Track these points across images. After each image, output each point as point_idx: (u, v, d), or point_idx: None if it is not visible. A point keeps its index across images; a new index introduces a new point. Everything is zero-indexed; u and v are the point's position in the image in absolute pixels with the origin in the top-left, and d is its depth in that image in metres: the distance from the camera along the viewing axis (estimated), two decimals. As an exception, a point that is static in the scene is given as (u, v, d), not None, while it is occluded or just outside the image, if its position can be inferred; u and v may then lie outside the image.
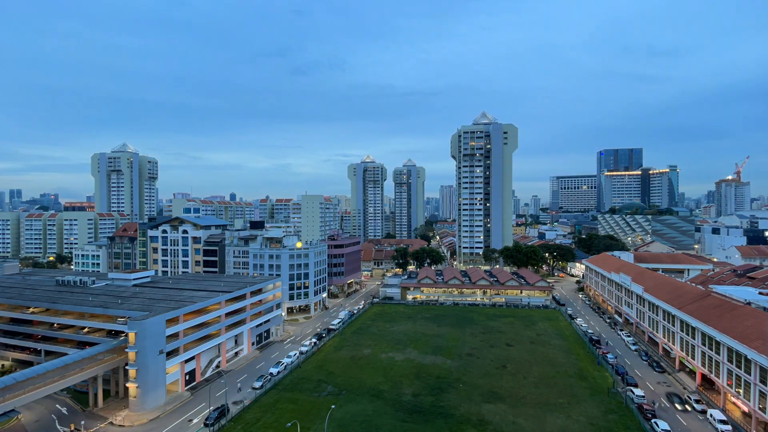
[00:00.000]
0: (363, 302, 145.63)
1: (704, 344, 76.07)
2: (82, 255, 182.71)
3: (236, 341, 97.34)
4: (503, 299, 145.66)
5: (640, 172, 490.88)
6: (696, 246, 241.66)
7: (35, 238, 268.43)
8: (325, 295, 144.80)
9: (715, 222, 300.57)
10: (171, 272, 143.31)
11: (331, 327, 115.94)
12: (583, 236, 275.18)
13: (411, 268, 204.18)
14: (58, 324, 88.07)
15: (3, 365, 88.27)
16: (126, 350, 72.46)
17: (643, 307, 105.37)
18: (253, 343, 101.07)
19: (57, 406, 72.38)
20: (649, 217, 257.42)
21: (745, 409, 64.53)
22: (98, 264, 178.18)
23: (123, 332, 77.23)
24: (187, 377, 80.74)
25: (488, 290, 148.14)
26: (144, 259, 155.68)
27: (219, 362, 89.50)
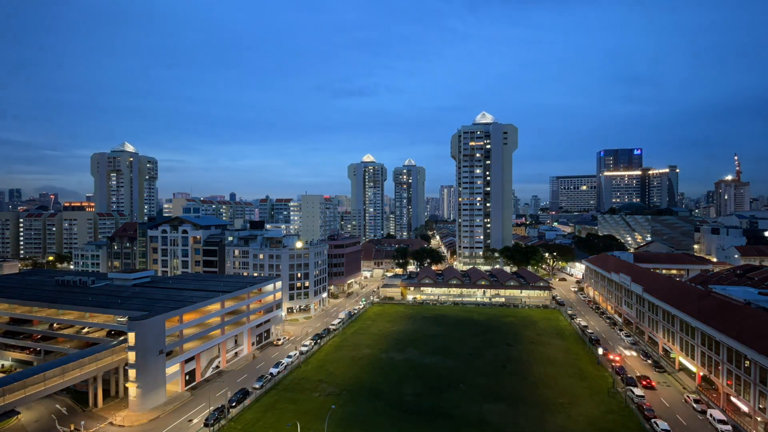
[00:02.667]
0: (363, 302, 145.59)
1: (704, 344, 76.08)
2: (82, 255, 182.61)
3: (236, 341, 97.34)
4: (503, 299, 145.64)
5: (640, 172, 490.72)
6: (696, 246, 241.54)
7: (35, 238, 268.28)
8: (325, 295, 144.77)
9: (715, 222, 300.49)
10: (171, 272, 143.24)
11: (331, 327, 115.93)
12: (583, 236, 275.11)
13: (411, 268, 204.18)
14: (57, 324, 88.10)
15: (3, 365, 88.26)
16: (126, 350, 72.48)
17: (643, 307, 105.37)
18: (253, 343, 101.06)
19: (57, 406, 72.34)
20: (649, 217, 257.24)
21: (745, 409, 64.54)
22: (98, 264, 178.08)
23: (123, 332, 77.26)
24: (187, 377, 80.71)
25: (488, 290, 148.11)
26: (144, 259, 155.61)
27: (219, 362, 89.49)
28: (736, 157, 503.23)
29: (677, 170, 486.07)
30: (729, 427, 62.57)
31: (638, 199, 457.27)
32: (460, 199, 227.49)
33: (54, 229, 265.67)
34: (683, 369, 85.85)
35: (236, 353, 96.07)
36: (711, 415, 65.99)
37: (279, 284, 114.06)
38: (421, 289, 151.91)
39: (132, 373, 70.24)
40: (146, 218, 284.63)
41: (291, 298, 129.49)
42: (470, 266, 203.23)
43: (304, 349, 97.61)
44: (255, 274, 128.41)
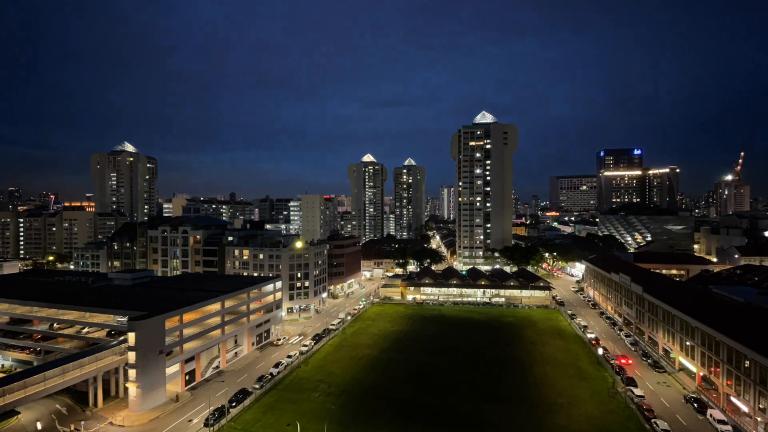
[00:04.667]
0: (363, 302, 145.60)
1: (704, 344, 76.04)
2: (82, 255, 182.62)
3: (236, 341, 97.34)
4: (503, 299, 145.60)
5: (640, 172, 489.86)
6: (696, 246, 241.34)
7: (35, 238, 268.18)
8: (325, 295, 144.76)
9: (715, 222, 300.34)
10: (170, 272, 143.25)
11: (330, 327, 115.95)
12: (583, 236, 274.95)
13: (411, 268, 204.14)
14: (57, 324, 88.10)
15: (3, 365, 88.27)
16: (126, 350, 72.48)
17: (643, 307, 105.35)
18: (253, 343, 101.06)
19: (57, 406, 72.34)
20: (649, 217, 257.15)
21: (745, 409, 64.54)
22: (98, 264, 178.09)
23: (123, 332, 77.27)
24: (187, 377, 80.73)
25: (488, 290, 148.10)
26: (144, 259, 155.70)
27: (219, 362, 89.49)
28: (742, 153, 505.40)
29: (677, 170, 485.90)
30: (729, 427, 62.57)
31: (638, 199, 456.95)
32: (460, 199, 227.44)
33: (54, 229, 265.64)
34: (683, 369, 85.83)
35: (236, 353, 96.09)
36: (711, 415, 65.98)
37: (279, 284, 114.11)
38: (421, 289, 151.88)
39: (132, 373, 70.23)
40: (146, 218, 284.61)
41: (291, 298, 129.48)
42: (470, 266, 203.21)
43: (304, 349, 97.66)
44: (255, 274, 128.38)
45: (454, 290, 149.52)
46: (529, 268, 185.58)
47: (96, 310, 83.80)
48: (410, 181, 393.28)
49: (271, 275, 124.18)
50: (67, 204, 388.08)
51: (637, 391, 74.05)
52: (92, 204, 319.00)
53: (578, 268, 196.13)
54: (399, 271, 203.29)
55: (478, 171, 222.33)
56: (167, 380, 75.00)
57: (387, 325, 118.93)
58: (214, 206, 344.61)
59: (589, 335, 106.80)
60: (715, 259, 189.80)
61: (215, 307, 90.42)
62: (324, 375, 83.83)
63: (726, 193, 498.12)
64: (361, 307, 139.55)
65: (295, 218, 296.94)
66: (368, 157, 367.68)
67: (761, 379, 60.49)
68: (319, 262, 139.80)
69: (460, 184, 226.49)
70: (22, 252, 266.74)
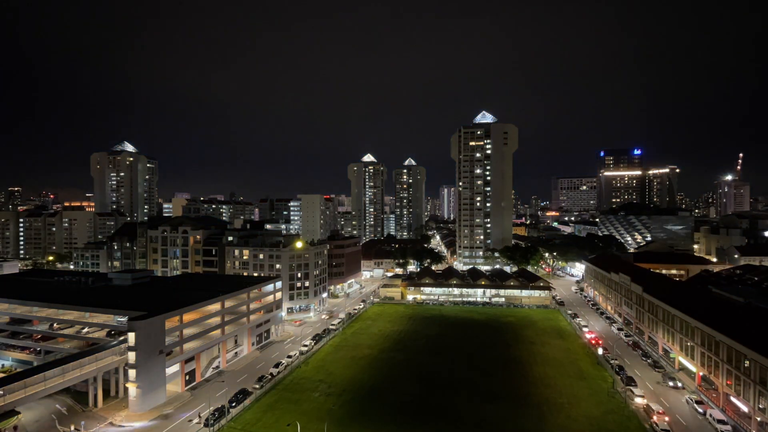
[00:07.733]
0: (363, 302, 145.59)
1: (704, 344, 76.05)
2: (82, 255, 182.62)
3: (236, 341, 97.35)
4: (503, 299, 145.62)
5: (640, 172, 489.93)
6: (695, 246, 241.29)
7: (35, 238, 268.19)
8: (325, 295, 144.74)
9: (715, 222, 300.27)
10: (170, 272, 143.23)
11: (330, 327, 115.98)
12: (583, 236, 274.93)
13: (411, 268, 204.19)
14: (57, 324, 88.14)
15: (3, 365, 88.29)
16: (126, 350, 72.51)
17: (643, 307, 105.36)
18: (253, 343, 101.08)
19: (57, 406, 72.35)
20: (649, 217, 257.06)
21: (745, 409, 64.55)
22: (98, 264, 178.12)
23: (123, 332, 77.31)
24: (187, 377, 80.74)
25: (488, 290, 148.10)
26: (144, 259, 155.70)
27: (219, 362, 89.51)
28: (741, 154, 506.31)
29: (677, 170, 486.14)
30: (729, 427, 62.60)
31: (638, 199, 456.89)
32: (460, 199, 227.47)
33: (54, 229, 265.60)
34: (683, 369, 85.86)
35: (236, 353, 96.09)
36: (711, 415, 65.99)
37: (279, 284, 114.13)
38: (421, 289, 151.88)
39: (132, 373, 70.25)
40: (146, 218, 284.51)
41: (291, 298, 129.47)
42: (470, 266, 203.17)
43: (304, 349, 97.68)
44: (255, 274, 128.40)
45: (455, 290, 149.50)
46: (529, 268, 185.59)
47: (96, 310, 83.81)
48: (410, 181, 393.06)
49: (271, 275, 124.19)
50: (67, 204, 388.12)
51: (637, 391, 74.03)
52: (92, 204, 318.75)
53: (578, 268, 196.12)
54: (399, 271, 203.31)
55: (478, 171, 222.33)
56: (167, 380, 75.04)
57: (387, 325, 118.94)
58: (214, 206, 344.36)
59: (589, 335, 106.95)
60: (715, 259, 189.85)
61: (215, 307, 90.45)
62: (324, 375, 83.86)
63: (726, 193, 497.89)
64: (361, 307, 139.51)
65: (295, 218, 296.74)
66: (368, 157, 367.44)
67: (761, 379, 60.51)
68: (319, 262, 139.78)
69: (460, 184, 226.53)
70: (22, 252, 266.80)
